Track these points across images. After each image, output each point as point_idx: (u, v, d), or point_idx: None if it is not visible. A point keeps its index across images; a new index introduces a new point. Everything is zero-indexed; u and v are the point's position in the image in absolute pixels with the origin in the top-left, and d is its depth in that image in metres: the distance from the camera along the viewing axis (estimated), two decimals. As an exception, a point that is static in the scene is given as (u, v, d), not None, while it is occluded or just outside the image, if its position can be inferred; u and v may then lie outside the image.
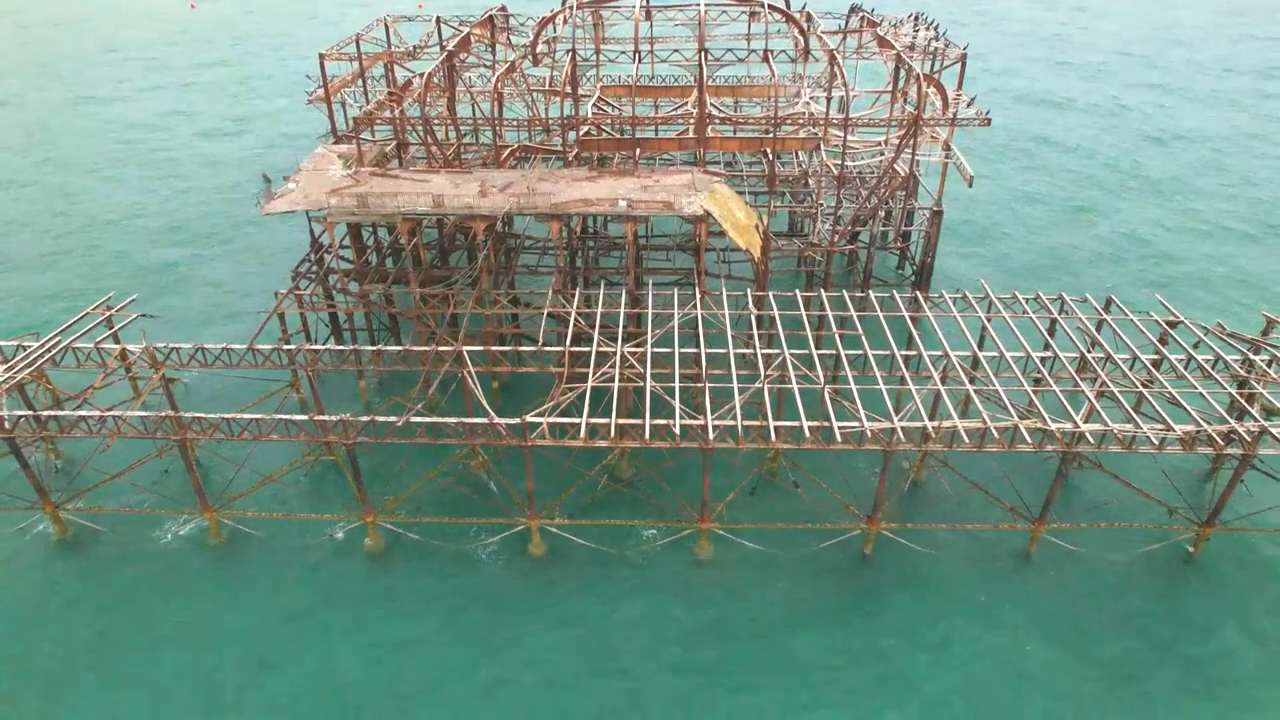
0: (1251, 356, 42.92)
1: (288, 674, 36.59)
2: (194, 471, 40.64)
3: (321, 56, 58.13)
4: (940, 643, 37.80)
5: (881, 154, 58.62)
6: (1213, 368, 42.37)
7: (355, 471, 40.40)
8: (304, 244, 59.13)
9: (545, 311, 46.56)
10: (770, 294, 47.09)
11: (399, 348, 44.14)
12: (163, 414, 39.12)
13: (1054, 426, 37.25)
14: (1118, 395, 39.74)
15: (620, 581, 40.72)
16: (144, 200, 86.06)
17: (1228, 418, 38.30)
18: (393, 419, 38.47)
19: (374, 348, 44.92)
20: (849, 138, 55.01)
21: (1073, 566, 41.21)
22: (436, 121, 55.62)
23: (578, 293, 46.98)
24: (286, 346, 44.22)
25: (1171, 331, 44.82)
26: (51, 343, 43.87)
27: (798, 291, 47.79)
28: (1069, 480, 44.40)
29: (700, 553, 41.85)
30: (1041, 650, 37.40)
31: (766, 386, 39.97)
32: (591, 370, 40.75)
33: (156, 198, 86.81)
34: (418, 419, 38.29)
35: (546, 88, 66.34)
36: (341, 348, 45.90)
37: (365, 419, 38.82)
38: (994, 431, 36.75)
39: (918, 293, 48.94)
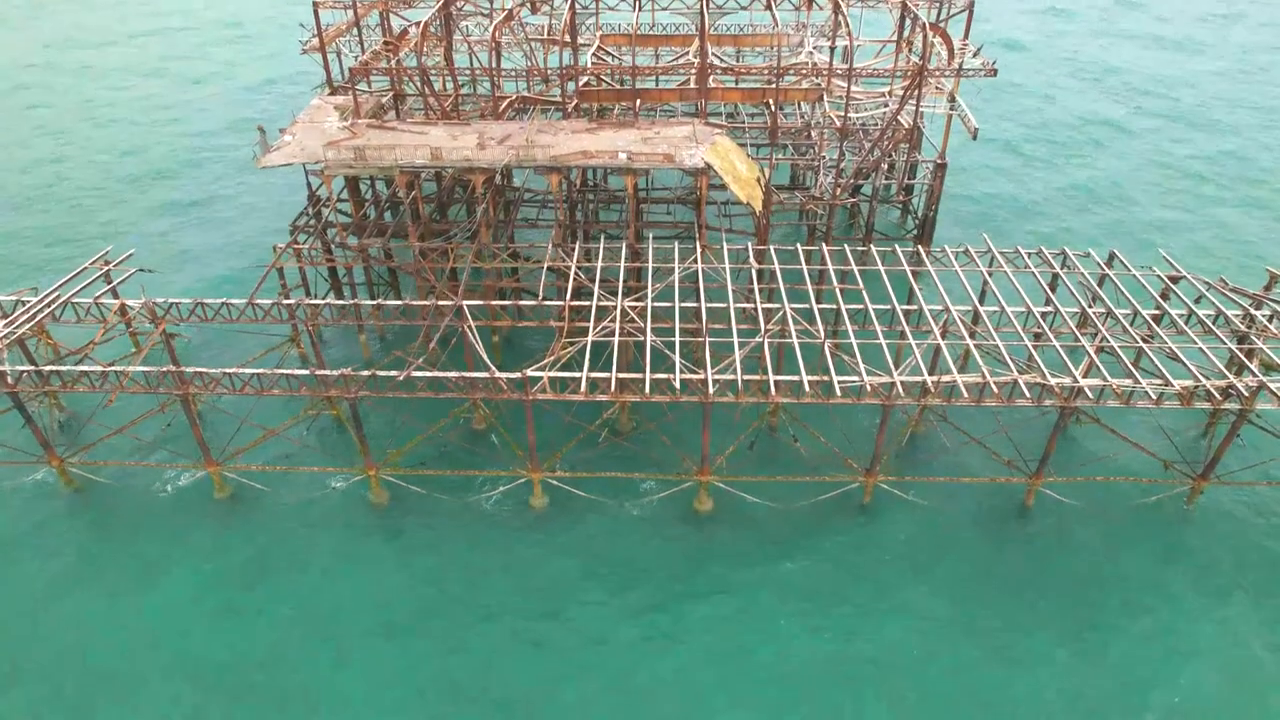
0: (1252, 312, 42.86)
1: (295, 623, 37.33)
2: (197, 426, 40.93)
3: (316, 4, 56.90)
4: (936, 590, 38.47)
5: (885, 105, 57.75)
6: (1213, 323, 42.36)
7: (357, 425, 40.67)
8: (301, 196, 58.74)
9: (545, 265, 46.37)
10: (771, 248, 46.83)
11: (399, 302, 44.05)
12: (164, 369, 39.21)
13: (1053, 381, 37.37)
14: (1117, 350, 39.82)
15: (620, 531, 41.35)
16: (137, 151, 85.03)
17: (1226, 373, 38.42)
18: (394, 374, 38.57)
19: (374, 302, 44.83)
20: (853, 88, 54.16)
21: (1069, 519, 41.74)
22: (433, 72, 54.67)
23: (577, 246, 46.75)
24: (286, 301, 44.12)
25: (1173, 287, 44.65)
26: (51, 297, 43.78)
27: (799, 245, 47.50)
28: (1067, 434, 44.69)
29: (699, 505, 42.33)
30: (1036, 598, 38.09)
31: (766, 341, 40.00)
32: (592, 324, 40.74)
33: (149, 148, 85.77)
34: (419, 373, 38.41)
35: (545, 36, 65.10)
36: (341, 302, 45.79)
37: (366, 374, 38.95)
38: (993, 386, 36.90)
39: (919, 247, 48.63)
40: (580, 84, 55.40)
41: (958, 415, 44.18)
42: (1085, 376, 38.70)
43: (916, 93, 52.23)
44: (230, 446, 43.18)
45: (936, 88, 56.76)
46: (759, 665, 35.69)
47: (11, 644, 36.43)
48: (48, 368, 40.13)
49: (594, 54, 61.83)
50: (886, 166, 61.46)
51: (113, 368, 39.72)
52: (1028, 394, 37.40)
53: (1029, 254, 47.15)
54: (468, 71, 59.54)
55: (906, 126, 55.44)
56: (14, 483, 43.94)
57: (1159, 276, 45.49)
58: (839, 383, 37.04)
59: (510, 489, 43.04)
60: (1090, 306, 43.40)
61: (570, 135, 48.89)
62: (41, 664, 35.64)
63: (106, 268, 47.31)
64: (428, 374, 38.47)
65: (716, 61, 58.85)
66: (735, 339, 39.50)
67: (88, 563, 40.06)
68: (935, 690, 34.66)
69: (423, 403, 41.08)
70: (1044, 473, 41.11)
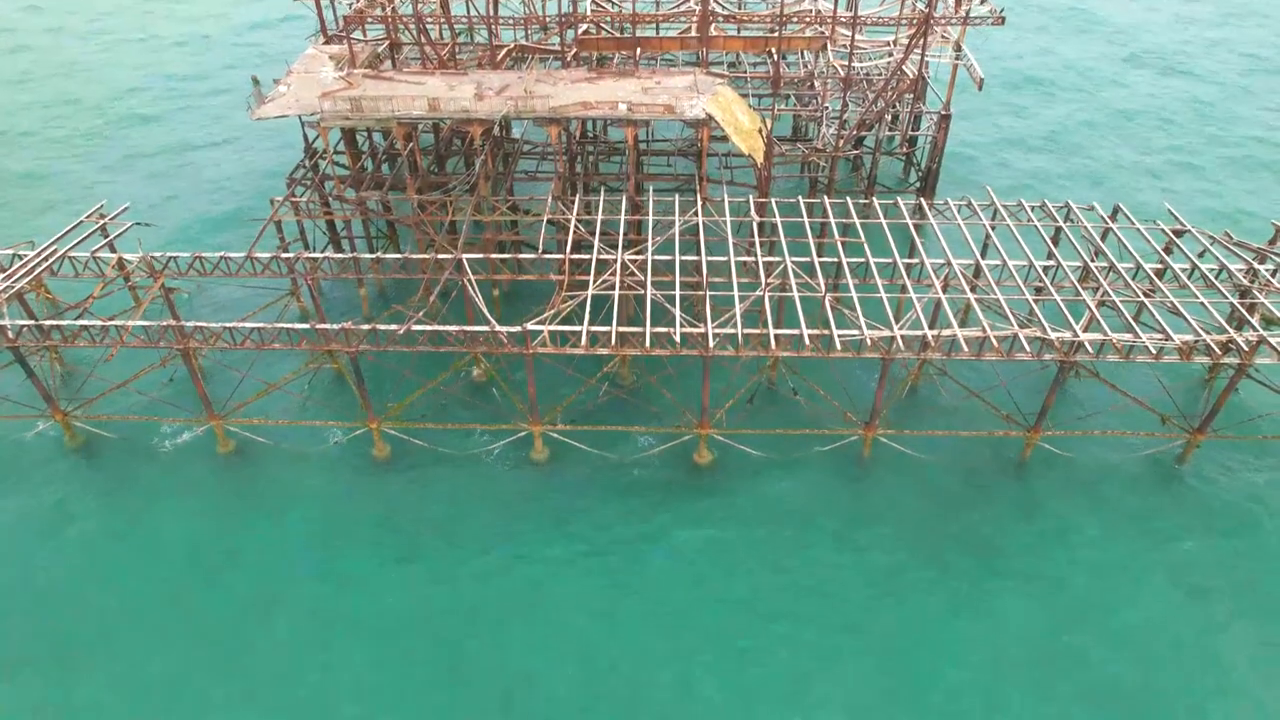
0: (1256, 266, 42.66)
1: (299, 575, 37.93)
2: (199, 380, 41.05)
3: (307, -51, 55.52)
4: (932, 537, 39.00)
5: (890, 55, 56.75)
6: (1216, 277, 42.20)
7: (359, 379, 40.78)
8: (297, 146, 58.04)
9: (545, 219, 46.02)
10: (773, 200, 46.45)
11: (398, 255, 43.86)
12: (165, 323, 39.19)
13: (1053, 336, 37.37)
14: (1119, 304, 39.75)
15: (620, 480, 41.85)
16: (128, 100, 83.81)
17: (1227, 327, 38.39)
18: (394, 328, 38.57)
19: (373, 256, 44.62)
20: (857, 37, 53.14)
21: (1065, 472, 42.11)
22: (429, 20, 53.62)
23: (577, 199, 46.37)
24: (285, 255, 43.91)
25: (1177, 240, 44.39)
26: (48, 251, 43.56)
27: (800, 198, 47.09)
28: (1066, 389, 44.85)
29: (699, 458, 42.68)
30: (1027, 541, 38.66)
31: (767, 294, 39.91)
32: (592, 278, 40.60)
33: (139, 97, 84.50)
34: (419, 327, 38.40)
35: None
36: (341, 255, 45.61)
37: (367, 327, 38.94)
38: (993, 340, 36.94)
39: (922, 199, 48.23)
40: (579, 32, 54.37)
41: (957, 369, 44.28)
42: (1086, 331, 38.67)
43: (922, 41, 51.26)
44: (232, 401, 43.37)
45: (943, 36, 55.67)
46: (730, 601, 36.77)
47: (13, 590, 37.08)
48: (48, 322, 40.10)
49: (593, 1, 60.60)
50: (890, 118, 60.63)
51: (113, 322, 39.70)
52: (1028, 348, 37.45)
53: (1032, 207, 46.75)
54: (464, 20, 58.39)
55: (911, 77, 54.53)
56: (17, 436, 44.23)
57: (1163, 230, 45.17)
58: (839, 336, 37.07)
59: (511, 442, 43.33)
60: (1093, 260, 43.20)
61: (569, 85, 48.13)
62: (41, 612, 36.28)
63: (103, 221, 46.94)
64: (428, 328, 38.45)
65: (718, 9, 57.63)
66: (736, 292, 39.41)
67: (90, 514, 40.53)
68: (895, 633, 35.58)
69: (423, 356, 41.15)
70: (1042, 426, 41.33)
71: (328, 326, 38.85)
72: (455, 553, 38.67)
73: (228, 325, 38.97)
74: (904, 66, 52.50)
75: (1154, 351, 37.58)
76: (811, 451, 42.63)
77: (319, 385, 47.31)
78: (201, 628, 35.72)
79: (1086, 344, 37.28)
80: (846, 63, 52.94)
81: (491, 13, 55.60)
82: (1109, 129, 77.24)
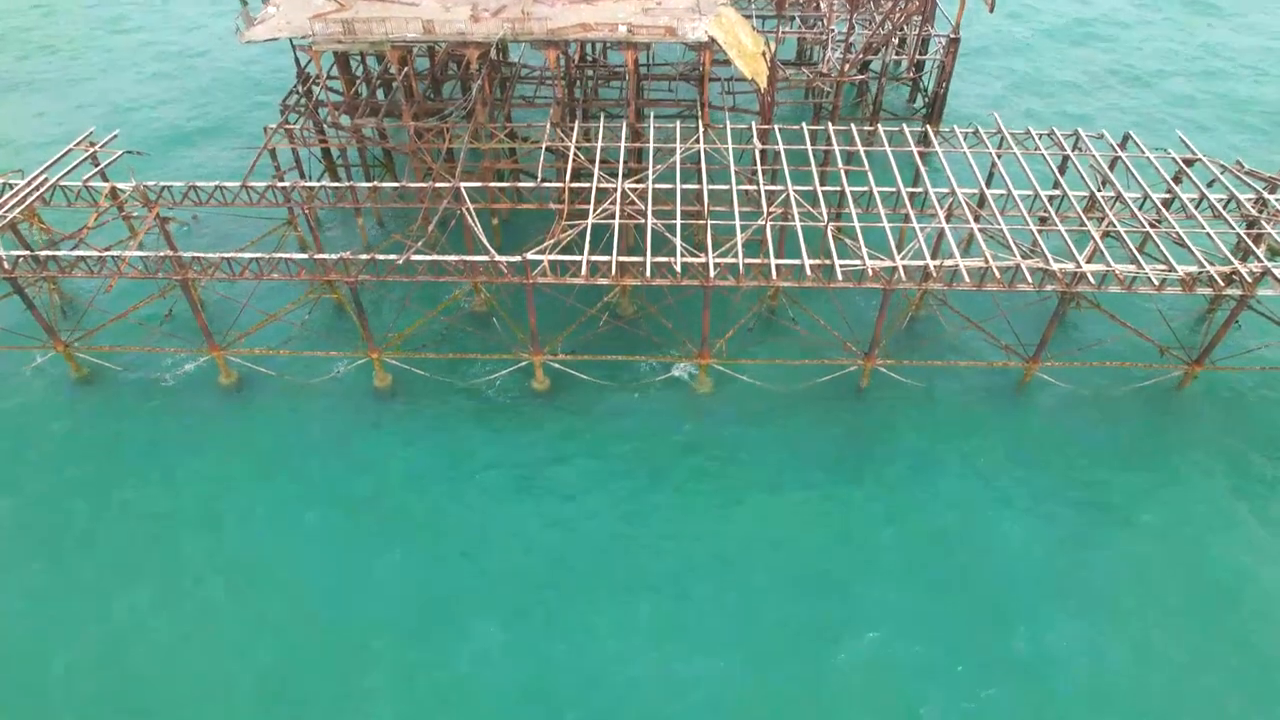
0: (1266, 195, 42.08)
1: (303, 503, 38.62)
2: (199, 311, 40.93)
3: None
4: (929, 466, 39.59)
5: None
6: (1224, 207, 41.69)
7: (359, 309, 40.65)
8: (289, 70, 56.62)
9: (543, 146, 45.22)
10: (775, 127, 45.56)
11: (396, 184, 43.25)
12: (162, 254, 38.89)
13: (1055, 266, 37.15)
14: (1123, 235, 39.39)
15: (622, 408, 42.31)
16: (111, 26, 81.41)
17: (1231, 258, 38.11)
18: (393, 257, 38.31)
19: (370, 185, 44.01)
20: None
21: (1061, 401, 42.45)
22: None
23: (576, 126, 45.48)
24: (281, 184, 43.30)
25: (1187, 170, 43.69)
26: (38, 180, 42.91)
27: (804, 125, 46.19)
28: (1067, 320, 44.87)
29: (700, 387, 42.96)
30: (1025, 473, 39.26)
31: (769, 224, 39.52)
32: (592, 207, 40.12)
33: (123, 24, 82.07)
34: (419, 256, 38.14)
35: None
36: (337, 184, 44.95)
37: (366, 257, 38.69)
38: (995, 271, 36.72)
39: (928, 127, 47.29)
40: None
41: (958, 300, 44.17)
42: (1089, 262, 38.43)
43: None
44: (232, 331, 43.38)
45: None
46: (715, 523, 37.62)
47: (25, 522, 37.82)
48: (44, 253, 39.79)
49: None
50: (897, 41, 58.94)
51: (110, 253, 39.39)
52: (1029, 279, 37.27)
53: (1040, 135, 45.89)
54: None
55: (920, -3, 52.77)
56: (18, 369, 44.37)
57: (1173, 159, 44.43)
58: (840, 266, 36.87)
59: (512, 372, 43.54)
60: (1100, 190, 42.60)
61: (567, 6, 46.62)
62: (49, 544, 37.00)
63: (92, 149, 46.06)
64: (427, 257, 38.22)
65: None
66: (737, 221, 38.99)
67: (98, 447, 40.99)
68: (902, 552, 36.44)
69: (423, 286, 40.88)
70: (1041, 357, 41.45)
71: (326, 256, 38.56)
72: (453, 472, 39.55)
73: (226, 255, 38.69)
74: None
75: (1156, 283, 37.43)
76: (811, 383, 42.87)
77: (319, 316, 47.26)
78: (225, 561, 36.64)
79: (1089, 275, 37.09)
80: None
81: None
82: (1130, 57, 75.19)
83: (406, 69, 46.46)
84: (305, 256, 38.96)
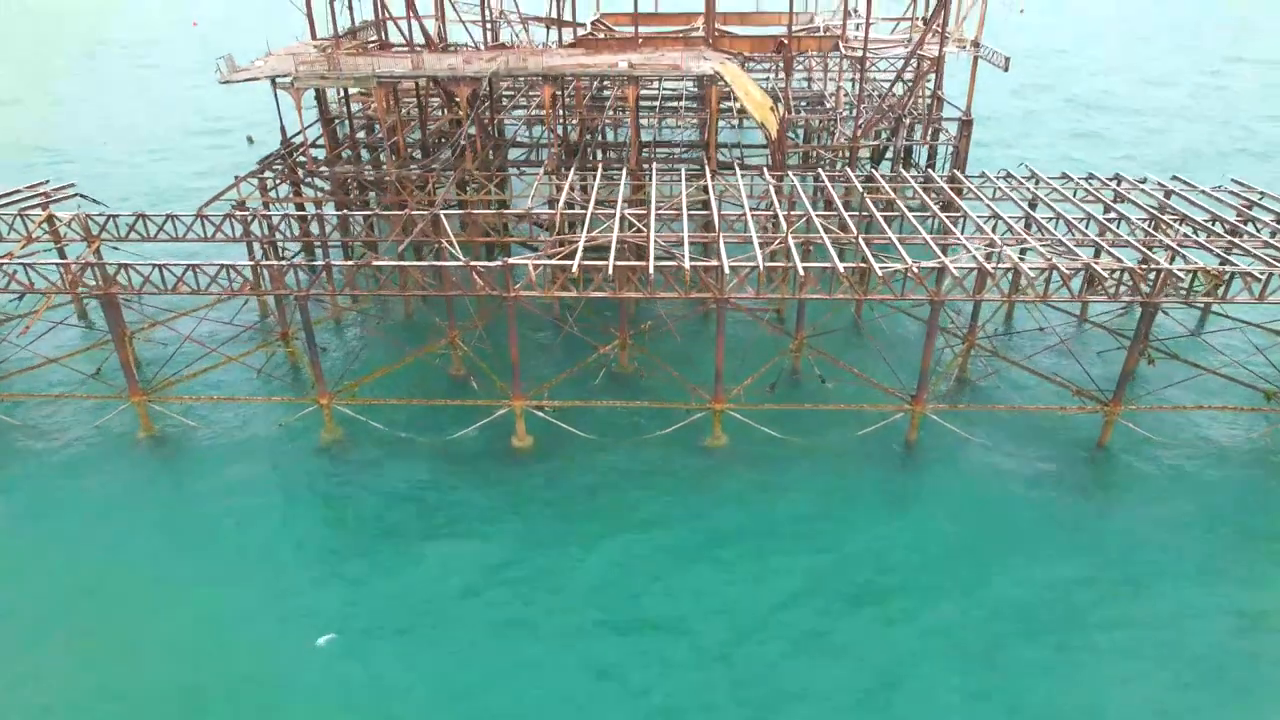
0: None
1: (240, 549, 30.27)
2: (125, 346, 34.59)
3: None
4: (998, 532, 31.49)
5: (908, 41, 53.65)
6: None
7: (310, 339, 34.30)
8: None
9: (535, 191, 40.90)
10: (790, 174, 41.66)
11: (368, 213, 38.70)
12: (85, 261, 33.42)
13: (1131, 264, 31.38)
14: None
15: (622, 477, 34.47)
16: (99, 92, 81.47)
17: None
18: (349, 263, 32.80)
19: (339, 213, 39.40)
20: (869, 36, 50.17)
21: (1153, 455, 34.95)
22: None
23: (571, 174, 41.54)
24: (240, 211, 38.73)
25: (1249, 211, 39.01)
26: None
27: (821, 169, 42.44)
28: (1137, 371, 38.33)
29: (712, 441, 35.61)
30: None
31: (791, 237, 34.08)
32: (585, 228, 34.76)
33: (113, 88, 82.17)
34: (380, 262, 32.59)
35: (540, 16, 61.84)
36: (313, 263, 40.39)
37: (320, 262, 33.15)
38: (1061, 270, 30.84)
39: (955, 170, 43.51)
40: (579, 35, 51.69)
41: (1008, 348, 37.97)
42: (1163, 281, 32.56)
43: (942, 15, 47.45)
44: (161, 378, 36.80)
45: (957, 40, 52.93)
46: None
47: None
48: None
49: (593, 25, 58.66)
50: (906, 128, 57.06)
51: (20, 261, 33.69)
52: (1106, 277, 31.23)
53: (1080, 179, 41.91)
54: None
55: (931, 59, 50.80)
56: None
57: (1234, 194, 40.01)
58: (880, 269, 31.09)
59: (489, 423, 36.17)
60: (1161, 215, 37.76)
61: (565, 55, 44.63)
62: None
63: (46, 199, 42.02)
64: (392, 262, 32.62)
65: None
66: (754, 235, 33.61)
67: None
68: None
69: (392, 345, 34.70)
70: (1122, 399, 34.47)
71: (275, 263, 33.00)
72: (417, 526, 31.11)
73: (157, 264, 33.05)
74: (921, 51, 49.19)
75: (1254, 295, 31.38)
76: (851, 435, 35.55)
77: (267, 365, 40.53)
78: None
79: (1176, 271, 31.18)
80: (859, 55, 49.42)
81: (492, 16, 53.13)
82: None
83: (393, 118, 43.54)
84: (250, 264, 33.31)
